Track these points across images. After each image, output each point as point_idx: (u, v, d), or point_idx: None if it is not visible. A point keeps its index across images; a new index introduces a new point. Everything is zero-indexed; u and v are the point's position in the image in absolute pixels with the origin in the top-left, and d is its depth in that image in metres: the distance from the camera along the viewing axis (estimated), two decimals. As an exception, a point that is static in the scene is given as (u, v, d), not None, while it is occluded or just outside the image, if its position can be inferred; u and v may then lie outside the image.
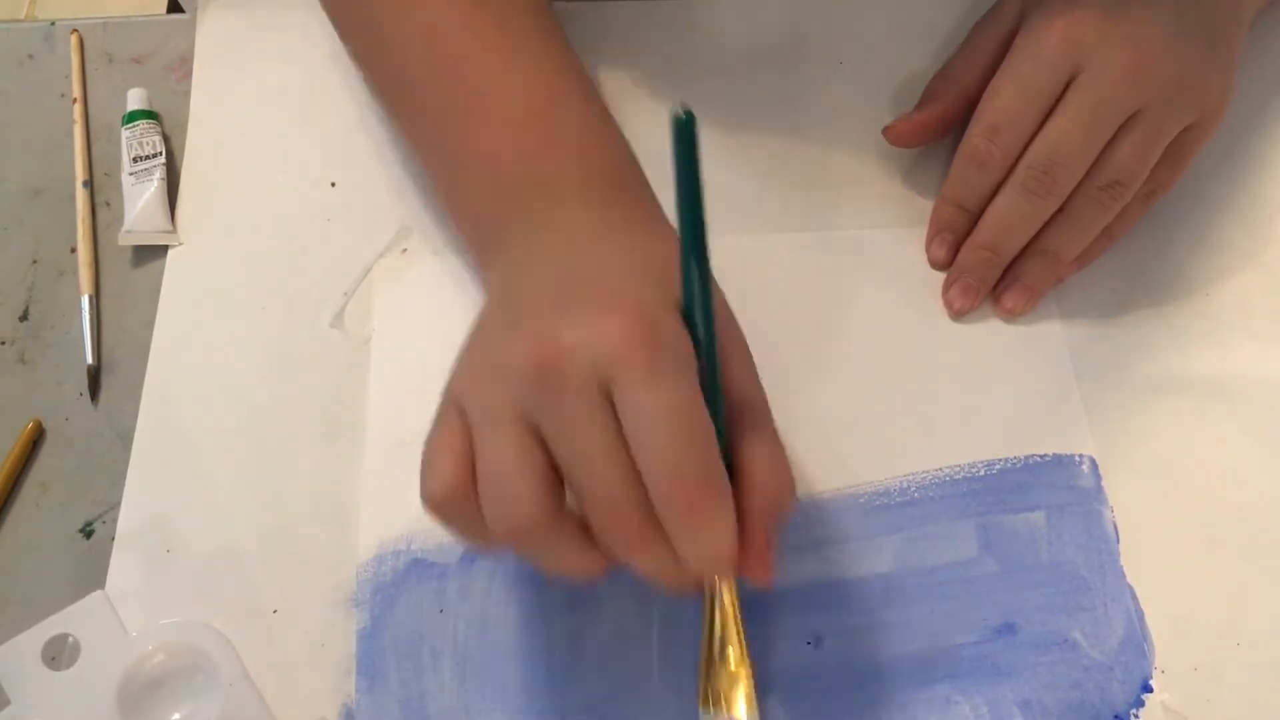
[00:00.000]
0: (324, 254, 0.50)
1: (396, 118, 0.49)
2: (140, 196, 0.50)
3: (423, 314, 0.48)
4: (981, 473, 0.45)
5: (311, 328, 0.48)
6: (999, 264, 0.47)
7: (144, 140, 0.52)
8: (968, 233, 0.48)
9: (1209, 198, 0.50)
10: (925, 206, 0.50)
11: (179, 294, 0.49)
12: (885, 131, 0.51)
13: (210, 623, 0.42)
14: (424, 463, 0.36)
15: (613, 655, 0.42)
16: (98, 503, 0.45)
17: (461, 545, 0.43)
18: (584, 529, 0.35)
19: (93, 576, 0.43)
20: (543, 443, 0.34)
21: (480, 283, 0.44)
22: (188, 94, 0.54)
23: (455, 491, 0.35)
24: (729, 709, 0.36)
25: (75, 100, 0.54)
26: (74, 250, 0.51)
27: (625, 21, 0.55)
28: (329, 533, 0.44)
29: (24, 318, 0.50)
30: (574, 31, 0.47)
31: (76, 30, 0.56)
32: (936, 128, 0.50)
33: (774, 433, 0.36)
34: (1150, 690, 0.41)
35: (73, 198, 0.52)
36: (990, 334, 0.48)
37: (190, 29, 0.56)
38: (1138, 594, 0.43)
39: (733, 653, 0.36)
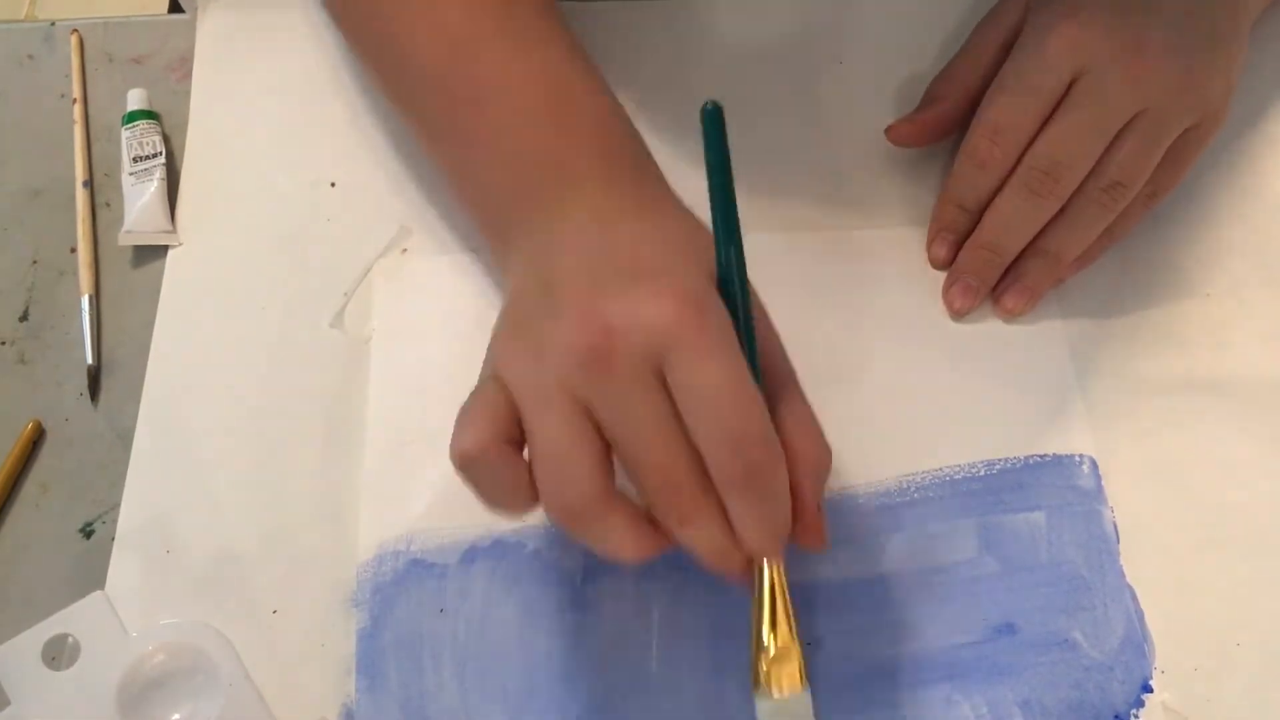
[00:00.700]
0: (324, 254, 0.50)
1: (403, 110, 0.48)
2: (140, 197, 0.50)
3: (423, 314, 0.48)
4: (981, 473, 0.45)
5: (311, 328, 0.48)
6: (999, 264, 0.47)
7: (144, 140, 0.52)
8: (969, 232, 0.48)
9: (1209, 198, 0.50)
10: (926, 206, 0.50)
11: (179, 294, 0.49)
12: (887, 132, 0.51)
13: (210, 623, 0.42)
14: (458, 421, 0.36)
15: (613, 655, 0.42)
16: (98, 503, 0.45)
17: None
18: (637, 510, 0.35)
19: (93, 576, 0.43)
20: (595, 424, 0.34)
21: (501, 271, 0.44)
22: (188, 94, 0.54)
23: (487, 450, 0.35)
24: (782, 688, 0.36)
25: (75, 100, 0.54)
26: (74, 250, 0.51)
27: (625, 21, 0.55)
28: (329, 533, 0.44)
29: (24, 318, 0.50)
30: (574, 31, 0.47)
31: (76, 30, 0.56)
32: (938, 128, 0.50)
33: (805, 401, 0.37)
34: (1150, 690, 0.41)
35: (73, 198, 0.52)
36: (990, 334, 0.48)
37: (190, 29, 0.56)
38: (1138, 594, 0.43)
39: (783, 631, 0.36)
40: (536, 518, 0.44)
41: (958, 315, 0.48)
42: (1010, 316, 0.48)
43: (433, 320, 0.48)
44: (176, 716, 0.41)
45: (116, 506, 0.45)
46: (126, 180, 0.51)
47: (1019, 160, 0.46)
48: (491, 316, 0.48)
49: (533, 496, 0.35)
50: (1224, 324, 0.48)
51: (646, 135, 0.43)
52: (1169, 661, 0.42)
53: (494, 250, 0.45)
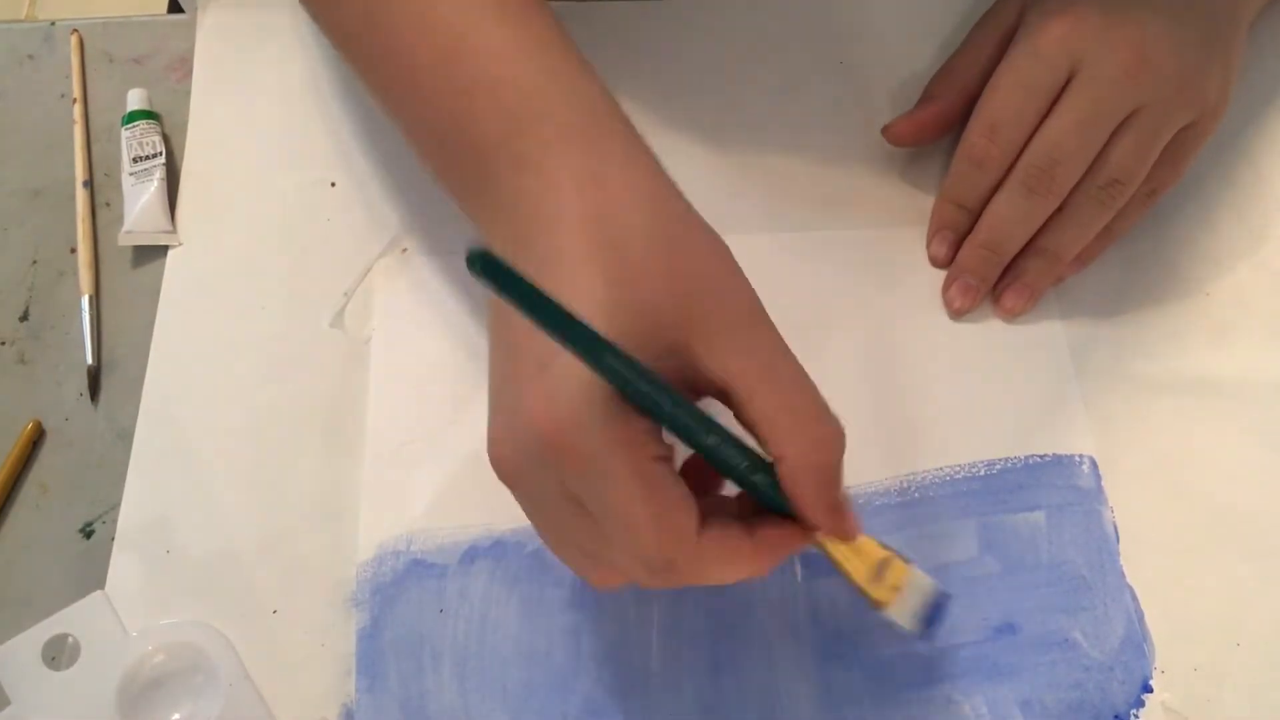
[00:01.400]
0: (324, 254, 0.50)
1: (364, 77, 0.44)
2: (140, 197, 0.50)
3: (423, 314, 0.48)
4: (981, 473, 0.45)
5: (311, 328, 0.48)
6: (999, 263, 0.47)
7: (144, 140, 0.52)
8: (968, 231, 0.48)
9: (1209, 197, 0.50)
10: (925, 206, 0.50)
11: (179, 294, 0.49)
12: (884, 130, 0.51)
13: (210, 623, 0.42)
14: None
15: (613, 655, 0.42)
16: (98, 503, 0.45)
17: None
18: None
19: (93, 576, 0.43)
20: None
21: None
22: (188, 94, 0.54)
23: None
24: (899, 584, 0.36)
25: (75, 100, 0.54)
26: (74, 250, 0.51)
27: (624, 21, 0.55)
28: (329, 533, 0.44)
29: (24, 318, 0.50)
30: (573, 32, 0.47)
31: (76, 30, 0.56)
32: (936, 127, 0.50)
33: (794, 383, 0.35)
34: (1150, 690, 0.41)
35: (73, 198, 0.52)
36: (990, 334, 0.48)
37: (190, 29, 0.56)
38: (1138, 594, 0.43)
39: (869, 552, 0.36)
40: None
41: (957, 314, 0.48)
42: (1010, 316, 0.48)
43: (433, 320, 0.48)
44: (176, 716, 0.41)
45: (116, 506, 0.45)
46: (126, 180, 0.51)
47: (1017, 158, 0.46)
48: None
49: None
50: (1224, 324, 0.48)
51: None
52: (1169, 661, 0.42)
53: (469, 214, 0.41)
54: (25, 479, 0.46)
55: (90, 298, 0.49)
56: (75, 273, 0.50)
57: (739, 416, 0.34)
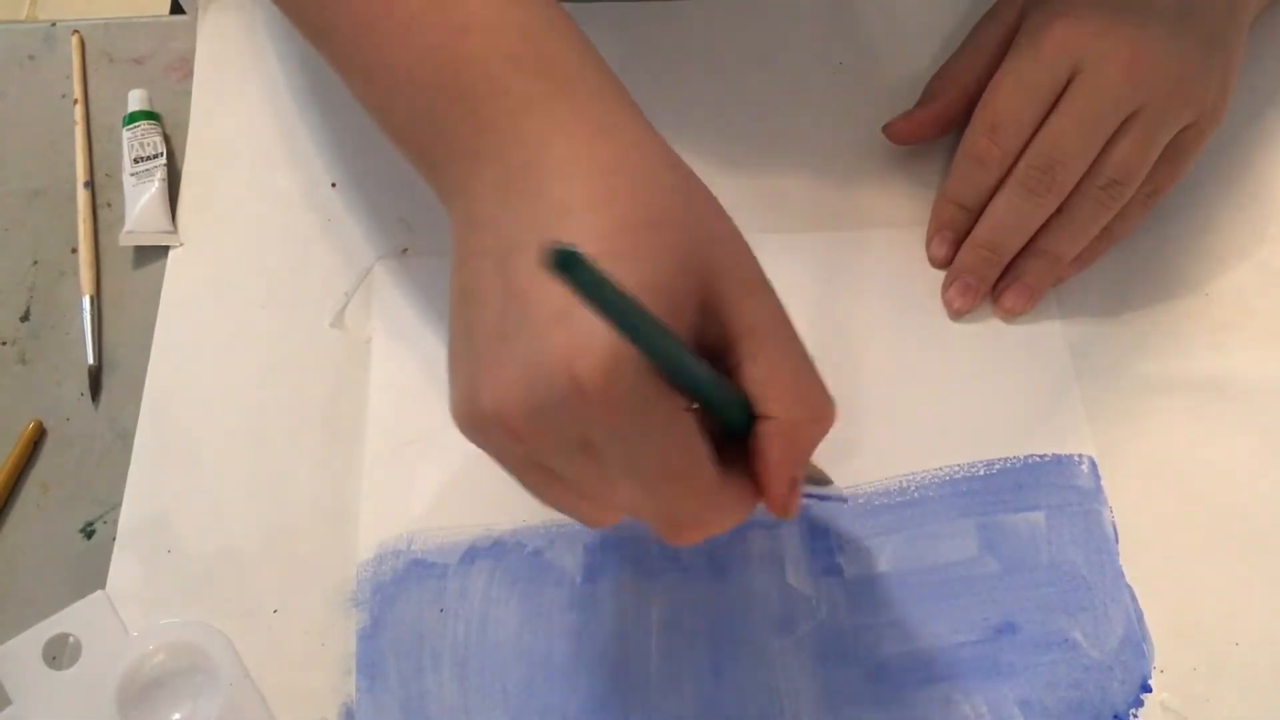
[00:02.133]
0: (324, 254, 0.50)
1: (329, 57, 0.42)
2: (141, 197, 0.51)
3: (423, 314, 0.48)
4: (981, 473, 0.45)
5: (311, 328, 0.48)
6: (998, 263, 0.47)
7: (145, 141, 0.52)
8: (968, 231, 0.48)
9: (1208, 198, 0.50)
10: (925, 206, 0.50)
11: (180, 294, 0.49)
12: (885, 129, 0.51)
13: (210, 623, 0.42)
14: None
15: (613, 655, 0.42)
16: (98, 503, 0.45)
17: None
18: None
19: (93, 576, 0.43)
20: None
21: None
22: (188, 94, 0.54)
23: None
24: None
25: (76, 101, 0.54)
26: (75, 251, 0.51)
27: (623, 22, 0.55)
28: (329, 533, 0.44)
29: (25, 318, 0.50)
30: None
31: (77, 31, 0.56)
32: (936, 126, 0.50)
33: (793, 351, 0.34)
34: (1149, 690, 0.41)
35: (74, 198, 0.52)
36: (990, 334, 0.48)
37: (191, 30, 0.56)
38: (1137, 594, 0.43)
39: None
40: (535, 517, 0.44)
41: (957, 315, 0.48)
42: (1010, 316, 0.48)
43: (433, 320, 0.48)
44: (177, 716, 0.41)
45: (117, 506, 0.45)
46: (127, 181, 0.51)
47: (1017, 158, 0.46)
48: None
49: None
50: (1224, 324, 0.48)
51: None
52: (1168, 661, 0.42)
53: (431, 165, 0.39)
54: (26, 479, 0.46)
55: (91, 298, 0.49)
56: (76, 273, 0.50)
57: (737, 373, 0.34)
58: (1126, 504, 0.44)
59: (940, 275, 0.49)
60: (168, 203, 0.51)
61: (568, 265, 0.27)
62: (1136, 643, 0.42)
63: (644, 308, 0.29)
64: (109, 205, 0.52)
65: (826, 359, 0.47)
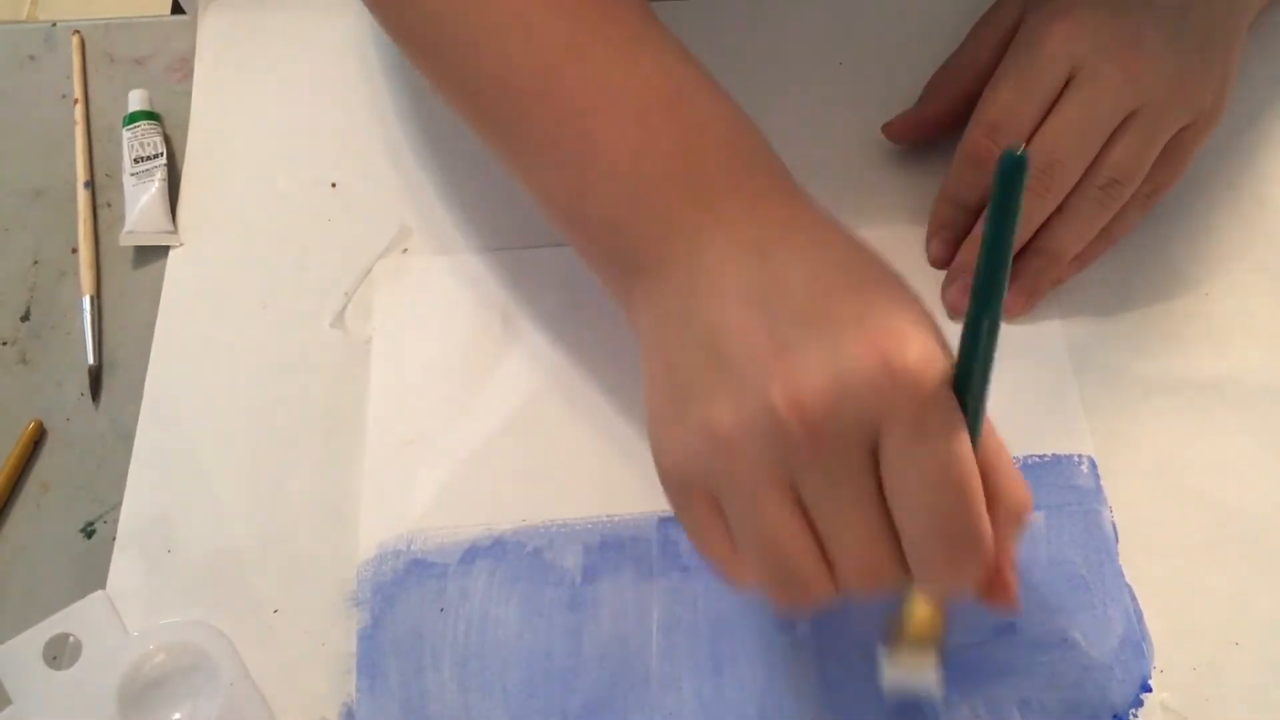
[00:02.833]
0: (324, 254, 0.50)
1: (488, 132, 0.42)
2: (141, 197, 0.51)
3: (423, 314, 0.48)
4: (981, 473, 0.45)
5: (311, 328, 0.48)
6: None
7: (145, 141, 0.52)
8: (967, 230, 0.48)
9: (1208, 198, 0.50)
10: (924, 206, 0.50)
11: (180, 294, 0.49)
12: (884, 128, 0.51)
13: (210, 623, 0.42)
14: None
15: (613, 655, 0.42)
16: (99, 503, 0.45)
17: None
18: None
19: (93, 576, 0.44)
20: (799, 499, 0.32)
21: (628, 312, 0.38)
22: (188, 95, 0.54)
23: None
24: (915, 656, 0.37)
25: (76, 101, 0.54)
26: (75, 251, 0.51)
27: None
28: (329, 533, 0.44)
29: (25, 318, 0.50)
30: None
31: (78, 31, 0.56)
32: (935, 124, 0.50)
33: (996, 433, 0.34)
34: (1149, 690, 0.41)
35: (74, 198, 0.52)
36: (990, 334, 0.48)
37: (191, 30, 0.56)
38: (1137, 594, 0.43)
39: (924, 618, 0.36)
40: (535, 517, 0.44)
41: (957, 314, 0.48)
42: (1010, 316, 0.48)
43: (433, 320, 0.48)
44: (177, 716, 0.41)
45: (117, 506, 0.45)
46: (127, 181, 0.51)
47: None
48: (492, 317, 0.48)
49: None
50: (1224, 324, 0.48)
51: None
52: (1168, 661, 0.42)
53: (615, 290, 0.39)
54: (26, 479, 0.46)
55: (91, 298, 0.49)
56: (76, 273, 0.50)
57: None
58: (1126, 504, 0.44)
59: (940, 275, 0.49)
60: (168, 203, 0.51)
61: (1019, 167, 0.28)
62: (1136, 643, 0.42)
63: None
64: (109, 205, 0.52)
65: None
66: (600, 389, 0.46)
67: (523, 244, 0.50)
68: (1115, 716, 0.41)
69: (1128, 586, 0.43)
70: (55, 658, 0.42)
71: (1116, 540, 0.44)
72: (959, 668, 0.41)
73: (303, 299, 0.49)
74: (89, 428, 0.47)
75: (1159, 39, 0.44)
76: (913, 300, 0.33)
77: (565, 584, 0.43)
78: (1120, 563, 0.43)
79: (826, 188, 0.51)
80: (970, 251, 0.48)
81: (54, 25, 0.57)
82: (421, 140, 0.53)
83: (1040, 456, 0.45)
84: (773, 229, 0.35)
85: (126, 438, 0.46)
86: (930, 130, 0.50)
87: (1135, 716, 0.41)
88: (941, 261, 0.49)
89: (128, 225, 0.50)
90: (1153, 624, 0.42)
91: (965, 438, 0.31)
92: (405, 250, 0.50)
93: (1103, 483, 0.45)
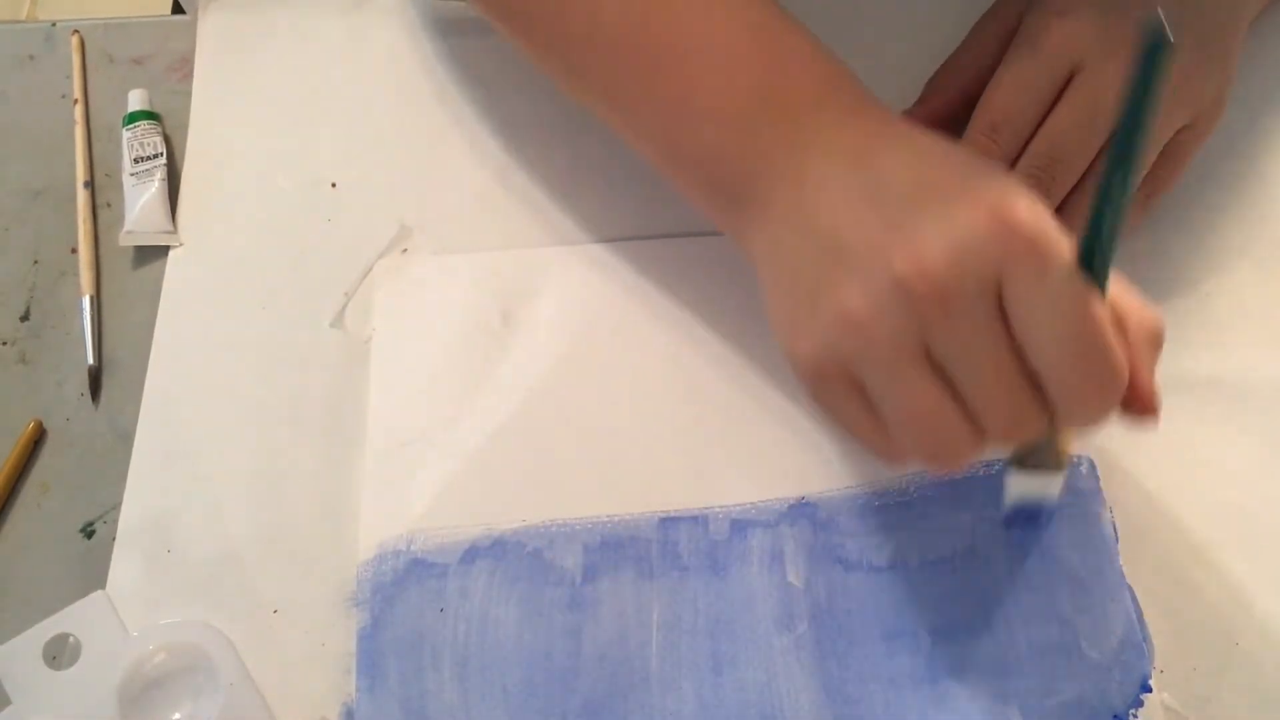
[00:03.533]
0: (324, 254, 0.50)
1: (583, 85, 0.45)
2: (141, 197, 0.51)
3: (423, 314, 0.48)
4: (981, 472, 0.45)
5: (311, 328, 0.48)
6: None
7: (145, 141, 0.52)
8: None
9: (1208, 198, 0.50)
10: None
11: (180, 294, 0.49)
12: None
13: (210, 622, 0.42)
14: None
15: (613, 655, 0.42)
16: (98, 503, 0.45)
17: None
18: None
19: (93, 576, 0.44)
20: (937, 366, 0.34)
21: (741, 242, 0.41)
22: (188, 95, 0.54)
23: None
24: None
25: (76, 101, 0.54)
26: (75, 251, 0.51)
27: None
28: (329, 533, 0.44)
29: (25, 318, 0.50)
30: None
31: (77, 31, 0.56)
32: (936, 122, 0.50)
33: (1124, 284, 0.36)
34: (1149, 690, 0.41)
35: (73, 198, 0.52)
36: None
37: (190, 30, 0.56)
38: (1137, 594, 0.43)
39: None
40: (535, 517, 0.44)
41: None
42: None
43: (433, 320, 0.48)
44: (177, 716, 0.41)
45: (117, 506, 0.45)
46: (127, 181, 0.51)
47: (1018, 158, 0.46)
48: (492, 317, 0.48)
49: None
50: (1224, 324, 0.48)
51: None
52: (1168, 661, 0.42)
53: (726, 221, 0.42)
54: (26, 479, 0.46)
55: (91, 298, 0.49)
56: (76, 273, 0.50)
57: None
58: (1126, 504, 0.44)
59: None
60: (168, 203, 0.51)
61: (1161, 46, 0.29)
62: (1136, 643, 0.42)
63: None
64: (109, 205, 0.52)
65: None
66: (600, 389, 0.47)
67: (523, 244, 0.50)
68: (1115, 716, 0.41)
69: (1128, 587, 0.43)
70: (55, 658, 0.42)
71: (1116, 540, 0.44)
72: (959, 667, 0.41)
73: (303, 299, 0.49)
74: (89, 428, 0.47)
75: None
76: (1012, 177, 0.35)
77: (565, 584, 0.43)
78: (1120, 563, 0.43)
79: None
80: None
81: (54, 25, 0.57)
82: (421, 140, 0.53)
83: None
84: (867, 137, 0.37)
85: (126, 438, 0.46)
86: (931, 128, 0.50)
87: (1135, 716, 0.41)
88: None
89: (127, 225, 0.50)
90: (1153, 624, 0.42)
91: (1074, 267, 0.33)
92: (405, 250, 0.50)
93: (1102, 483, 0.45)
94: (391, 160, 0.52)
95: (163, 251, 0.51)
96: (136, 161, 0.51)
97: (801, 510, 0.44)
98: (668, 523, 0.44)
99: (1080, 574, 0.43)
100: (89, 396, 0.48)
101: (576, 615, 0.42)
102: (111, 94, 0.55)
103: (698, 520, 0.44)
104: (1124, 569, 0.43)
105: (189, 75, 0.55)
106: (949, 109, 0.50)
